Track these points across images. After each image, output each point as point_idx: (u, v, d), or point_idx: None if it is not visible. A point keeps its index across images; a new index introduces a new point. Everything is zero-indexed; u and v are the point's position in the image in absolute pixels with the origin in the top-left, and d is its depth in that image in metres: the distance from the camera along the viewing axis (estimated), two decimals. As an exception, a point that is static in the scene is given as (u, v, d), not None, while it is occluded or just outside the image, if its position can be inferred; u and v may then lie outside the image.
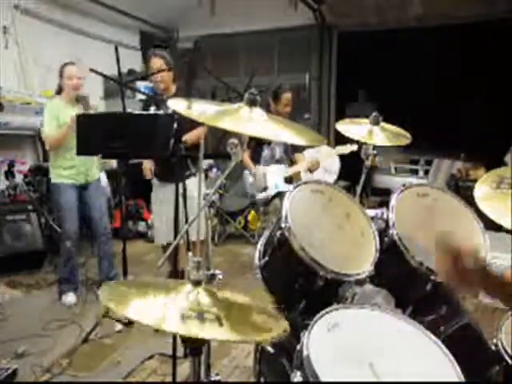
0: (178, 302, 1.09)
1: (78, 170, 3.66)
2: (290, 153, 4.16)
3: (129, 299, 1.10)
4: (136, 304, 1.08)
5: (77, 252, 3.89)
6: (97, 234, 3.84)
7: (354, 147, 3.52)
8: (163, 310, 1.07)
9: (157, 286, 1.22)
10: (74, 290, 3.78)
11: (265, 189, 4.10)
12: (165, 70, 3.49)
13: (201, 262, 1.18)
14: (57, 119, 3.58)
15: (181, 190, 2.61)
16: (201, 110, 1.53)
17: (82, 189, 3.74)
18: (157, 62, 3.59)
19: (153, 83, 3.79)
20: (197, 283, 1.16)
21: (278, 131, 1.47)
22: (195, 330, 1.02)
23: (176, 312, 1.05)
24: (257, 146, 4.12)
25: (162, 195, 3.69)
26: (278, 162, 4.14)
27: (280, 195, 3.91)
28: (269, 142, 4.11)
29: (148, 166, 3.80)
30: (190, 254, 1.23)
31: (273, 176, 4.08)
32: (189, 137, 3.11)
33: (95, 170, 3.82)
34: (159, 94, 3.69)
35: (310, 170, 4.02)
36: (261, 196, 4.16)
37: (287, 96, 4.04)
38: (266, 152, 4.16)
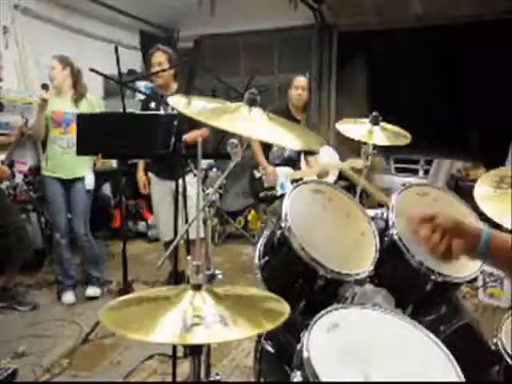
0: (181, 311, 1.08)
1: (56, 163, 3.65)
2: (302, 154, 4.12)
3: (132, 320, 1.09)
4: (141, 324, 1.07)
5: (72, 250, 3.88)
6: (76, 237, 3.81)
7: (367, 163, 3.31)
8: (168, 323, 1.05)
9: (157, 297, 1.21)
10: (72, 288, 3.78)
11: (272, 188, 4.08)
12: (169, 69, 3.48)
13: (200, 265, 1.17)
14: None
15: (180, 189, 2.62)
16: (200, 107, 1.52)
17: (66, 185, 3.71)
18: (158, 57, 3.58)
19: (152, 78, 3.78)
20: (197, 287, 1.15)
21: (275, 132, 1.46)
22: (202, 337, 1.02)
23: (181, 323, 1.04)
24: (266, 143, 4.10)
25: (160, 192, 3.69)
26: (287, 161, 4.11)
27: (282, 197, 3.88)
28: None
29: (142, 178, 3.84)
30: (190, 257, 1.23)
31: (280, 177, 4.05)
32: (188, 137, 3.11)
33: (80, 168, 3.71)
34: (157, 91, 3.68)
35: (319, 177, 3.96)
36: (264, 194, 4.13)
37: (298, 79, 4.02)
38: (275, 149, 4.12)
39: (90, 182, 3.80)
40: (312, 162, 4.10)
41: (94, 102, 3.84)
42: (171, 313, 1.08)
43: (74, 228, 3.78)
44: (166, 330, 1.03)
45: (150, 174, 3.82)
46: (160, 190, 3.70)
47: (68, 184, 3.72)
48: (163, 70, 3.50)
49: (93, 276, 3.85)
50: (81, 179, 3.74)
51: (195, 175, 3.27)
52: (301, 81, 4.01)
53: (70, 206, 3.77)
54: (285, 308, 1.17)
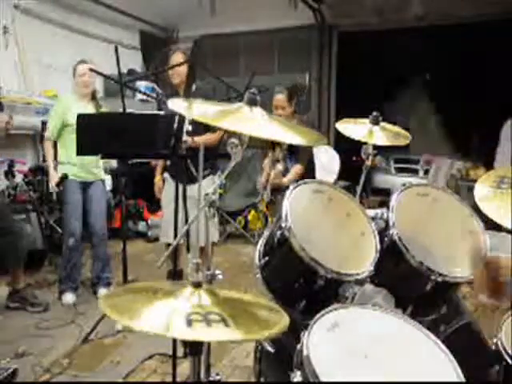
0: (181, 306, 1.08)
1: (77, 166, 3.66)
2: (293, 160, 4.08)
3: (130, 307, 1.09)
4: (138, 312, 1.06)
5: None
6: (92, 235, 3.83)
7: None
8: (167, 316, 1.05)
9: (157, 289, 1.21)
10: (73, 289, 3.78)
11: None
12: (179, 65, 3.46)
13: (200, 263, 1.17)
14: (62, 117, 3.63)
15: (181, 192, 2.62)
16: (201, 110, 1.52)
17: (85, 187, 3.75)
18: (177, 58, 3.55)
19: (170, 77, 3.74)
20: (197, 285, 1.15)
21: (276, 130, 1.46)
22: (202, 333, 1.01)
23: (181, 317, 1.04)
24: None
25: (174, 193, 3.66)
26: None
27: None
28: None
29: (159, 183, 3.79)
30: (190, 255, 1.23)
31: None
32: (203, 139, 3.09)
33: (98, 168, 3.80)
34: (159, 91, 3.68)
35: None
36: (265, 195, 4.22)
37: (275, 98, 3.77)
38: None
39: (109, 182, 3.86)
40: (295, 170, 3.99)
41: (106, 107, 3.91)
42: (169, 306, 1.08)
43: (95, 228, 3.80)
44: (167, 323, 1.03)
45: (165, 175, 3.79)
46: (174, 191, 3.67)
47: (88, 185, 3.76)
48: (163, 70, 3.50)
49: (104, 277, 3.86)
50: (102, 180, 3.84)
51: (194, 178, 3.21)
52: (278, 100, 3.76)
53: (87, 208, 3.78)
54: (283, 320, 1.15)
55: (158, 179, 3.83)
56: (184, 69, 3.52)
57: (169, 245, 3.77)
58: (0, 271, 3.86)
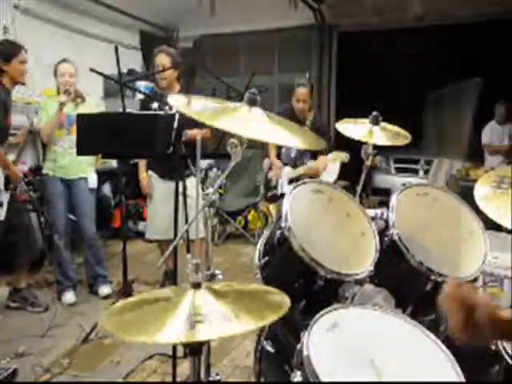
0: (183, 310, 1.08)
1: (58, 164, 3.66)
2: (308, 155, 4.11)
3: (135, 323, 1.09)
4: (144, 326, 1.06)
5: (73, 250, 3.91)
6: (83, 235, 3.82)
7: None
8: (171, 323, 1.05)
9: (158, 298, 1.21)
10: (72, 288, 3.78)
11: (275, 187, 4.13)
12: (169, 69, 3.46)
13: (199, 264, 1.17)
14: (47, 116, 3.64)
15: (180, 189, 2.61)
16: (200, 106, 1.52)
17: (68, 185, 3.72)
18: (161, 59, 3.55)
19: (156, 80, 3.74)
20: (197, 285, 1.15)
21: (274, 132, 1.45)
22: (206, 333, 1.02)
23: (184, 321, 1.04)
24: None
25: (160, 192, 3.67)
26: (291, 162, 4.14)
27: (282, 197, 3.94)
28: None
29: (145, 179, 3.80)
30: (189, 256, 1.22)
31: (283, 177, 4.09)
32: (190, 134, 3.09)
33: (82, 168, 3.75)
34: (159, 93, 3.67)
35: (311, 175, 3.96)
36: (269, 194, 4.23)
37: (300, 92, 4.01)
38: (283, 150, 4.17)
39: (92, 180, 3.81)
40: (320, 161, 4.08)
41: (93, 105, 3.85)
42: (173, 313, 1.08)
43: (83, 228, 3.78)
44: (169, 330, 1.03)
45: (150, 173, 3.80)
46: (162, 188, 3.68)
47: (70, 184, 3.72)
48: (163, 70, 3.48)
49: (102, 275, 3.86)
50: (83, 179, 3.77)
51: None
52: (302, 94, 4.01)
53: (73, 207, 3.78)
54: (284, 299, 1.18)
55: (144, 176, 3.83)
56: (170, 72, 3.50)
57: (162, 244, 3.79)
58: (1, 271, 3.86)
